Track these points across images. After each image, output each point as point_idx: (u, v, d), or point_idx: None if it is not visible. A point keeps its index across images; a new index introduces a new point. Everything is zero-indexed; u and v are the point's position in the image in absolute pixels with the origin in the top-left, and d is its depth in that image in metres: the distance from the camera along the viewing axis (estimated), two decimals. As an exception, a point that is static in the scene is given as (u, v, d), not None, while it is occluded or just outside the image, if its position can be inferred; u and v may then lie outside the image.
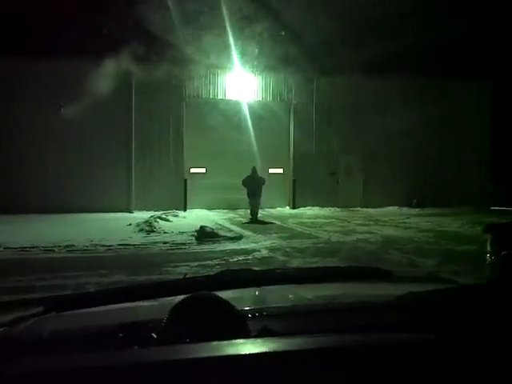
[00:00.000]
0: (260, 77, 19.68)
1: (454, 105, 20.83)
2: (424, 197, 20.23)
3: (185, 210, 18.11)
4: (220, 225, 14.10)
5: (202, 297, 1.21)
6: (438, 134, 20.89)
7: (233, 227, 13.92)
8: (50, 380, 0.86)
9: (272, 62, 18.39)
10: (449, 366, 0.96)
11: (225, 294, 1.27)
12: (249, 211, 16.14)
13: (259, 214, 16.15)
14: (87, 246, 10.46)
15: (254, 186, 15.93)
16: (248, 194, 16.00)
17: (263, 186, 16.33)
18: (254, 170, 16.23)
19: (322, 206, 19.59)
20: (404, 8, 18.15)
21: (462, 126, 21.15)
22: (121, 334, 1.17)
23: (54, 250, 10.12)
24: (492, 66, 20.75)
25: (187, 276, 1.87)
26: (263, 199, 16.83)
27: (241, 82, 19.34)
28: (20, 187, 17.11)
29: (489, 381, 0.97)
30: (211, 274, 1.85)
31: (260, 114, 19.44)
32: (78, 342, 1.25)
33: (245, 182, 16.03)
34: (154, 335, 1.15)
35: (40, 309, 1.51)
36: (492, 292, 1.62)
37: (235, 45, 17.48)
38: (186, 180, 18.72)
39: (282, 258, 9.44)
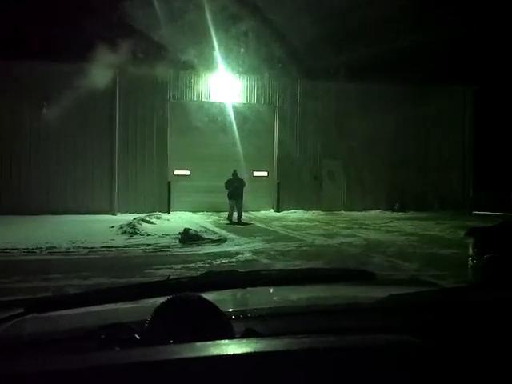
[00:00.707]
0: (245, 79, 19.70)
1: (437, 110, 21.06)
2: (406, 201, 20.40)
3: (168, 212, 18.04)
4: (204, 227, 14.06)
5: (186, 298, 1.20)
6: (420, 138, 21.11)
7: (217, 230, 13.89)
8: (30, 382, 0.84)
9: (257, 64, 18.43)
10: (429, 368, 0.96)
11: (209, 296, 1.26)
12: (235, 214, 16.33)
13: (242, 216, 16.30)
14: (69, 248, 10.36)
15: (234, 188, 16.19)
16: (228, 196, 16.29)
17: (247, 189, 16.61)
18: (234, 173, 16.58)
19: (306, 209, 19.66)
20: (389, 14, 18.33)
21: (444, 131, 21.41)
22: (103, 336, 1.16)
23: (35, 252, 10.00)
24: (474, 72, 21.04)
25: (171, 278, 1.86)
26: (248, 202, 17.04)
27: (225, 84, 19.33)
28: (0, 189, 16.91)
29: (468, 382, 0.98)
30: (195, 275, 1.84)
31: (245, 117, 19.45)
32: (58, 343, 1.23)
33: (226, 185, 16.33)
34: (137, 336, 1.14)
35: (20, 310, 1.48)
36: (473, 295, 1.64)
37: (220, 47, 17.49)
38: (169, 182, 18.66)
39: (265, 261, 9.44)
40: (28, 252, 10.00)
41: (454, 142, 21.72)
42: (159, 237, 11.99)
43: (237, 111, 19.37)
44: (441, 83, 20.68)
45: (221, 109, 19.36)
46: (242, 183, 16.45)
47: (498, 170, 21.79)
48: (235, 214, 16.31)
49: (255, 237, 12.62)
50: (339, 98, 20.32)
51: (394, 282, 3.15)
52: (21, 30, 16.14)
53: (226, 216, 16.55)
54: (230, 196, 16.31)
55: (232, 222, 15.85)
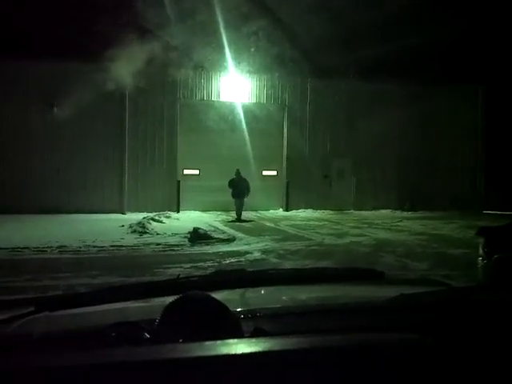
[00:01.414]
0: (254, 78, 19.70)
1: (448, 109, 20.95)
2: (416, 200, 20.29)
3: (178, 211, 18.08)
4: (213, 227, 14.09)
5: (196, 296, 1.21)
6: (431, 137, 20.98)
7: (226, 229, 13.91)
8: (42, 378, 0.85)
9: (266, 63, 18.42)
10: (438, 366, 0.96)
11: (218, 295, 1.27)
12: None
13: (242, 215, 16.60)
14: (79, 247, 10.42)
15: (237, 187, 16.48)
16: (232, 195, 16.60)
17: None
18: (237, 172, 16.80)
19: (315, 208, 19.62)
20: (398, 12, 18.25)
21: (455, 130, 21.27)
22: (113, 334, 1.17)
23: (46, 251, 10.07)
24: (485, 71, 20.89)
25: (180, 277, 1.87)
26: (257, 201, 17.13)
27: (235, 84, 19.35)
28: (11, 187, 17.03)
29: (477, 381, 0.97)
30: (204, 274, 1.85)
31: (254, 116, 19.45)
32: (69, 341, 1.24)
33: (230, 184, 16.63)
34: (147, 335, 1.15)
35: (32, 308, 1.50)
36: (482, 295, 1.63)
37: (230, 46, 17.49)
38: (179, 181, 18.69)
39: (274, 260, 9.44)
40: (39, 251, 10.07)
41: (464, 141, 21.58)
42: (169, 236, 12.02)
43: (246, 110, 19.38)
44: (451, 82, 20.56)
45: (230, 108, 19.37)
46: (245, 182, 16.60)
47: (510, 170, 21.61)
48: (244, 213, 16.52)
49: (264, 236, 12.63)
50: (349, 97, 20.25)
51: (404, 281, 3.14)
52: (30, 30, 16.23)
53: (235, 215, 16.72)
54: (233, 195, 16.53)
55: (237, 220, 16.10)
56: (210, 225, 14.42)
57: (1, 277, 7.58)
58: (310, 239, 12.29)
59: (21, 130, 17.24)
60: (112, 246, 10.69)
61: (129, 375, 0.86)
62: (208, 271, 7.47)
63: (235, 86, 19.37)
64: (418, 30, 18.82)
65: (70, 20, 16.32)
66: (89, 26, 15.18)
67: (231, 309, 1.22)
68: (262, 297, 1.78)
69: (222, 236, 12.30)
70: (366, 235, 13.08)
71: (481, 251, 5.41)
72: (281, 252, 10.34)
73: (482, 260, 5.35)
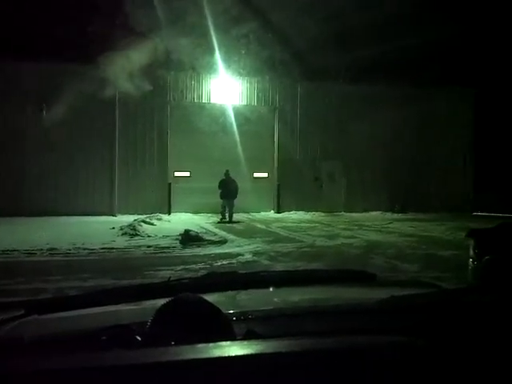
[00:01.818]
0: (245, 80, 19.71)
1: (438, 112, 21.07)
2: (407, 202, 20.39)
3: (169, 213, 18.05)
4: (204, 229, 14.06)
5: (187, 299, 1.20)
6: (421, 140, 21.10)
7: (217, 231, 13.89)
8: (32, 382, 0.85)
9: (257, 65, 18.45)
10: (429, 368, 0.96)
11: (210, 297, 1.26)
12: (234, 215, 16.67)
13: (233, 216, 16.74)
14: (70, 250, 10.34)
15: (226, 188, 16.61)
16: (221, 196, 16.73)
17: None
18: (226, 173, 16.94)
19: (306, 210, 19.66)
20: (390, 15, 18.35)
21: (445, 132, 21.41)
22: (104, 337, 1.16)
23: (35, 254, 9.99)
24: (474, 74, 21.05)
25: (172, 279, 1.86)
26: (248, 203, 17.16)
27: (226, 86, 19.35)
28: (3, 190, 16.90)
29: (469, 383, 0.98)
30: (196, 277, 1.85)
31: (245, 118, 19.46)
32: (60, 344, 1.24)
33: (220, 185, 16.80)
34: (138, 338, 1.14)
35: (21, 312, 1.49)
36: (473, 296, 1.64)
37: (220, 48, 17.50)
38: (170, 184, 18.66)
39: (266, 262, 9.43)
40: (29, 253, 9.99)
41: (454, 144, 21.71)
42: (160, 238, 11.98)
43: (237, 113, 19.39)
44: (442, 85, 20.69)
45: (221, 110, 19.37)
46: (233, 183, 16.66)
47: (499, 172, 21.77)
48: (235, 215, 16.54)
49: (255, 238, 12.62)
50: (340, 99, 20.32)
51: (395, 283, 3.15)
52: (19, 31, 16.16)
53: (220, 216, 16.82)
54: (222, 196, 16.58)
55: (223, 222, 16.11)
56: (201, 227, 14.40)
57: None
58: (302, 241, 12.30)
59: (12, 133, 17.12)
60: (102, 248, 10.63)
61: (120, 379, 0.85)
62: (200, 273, 7.45)
63: (226, 88, 19.37)
64: (408, 34, 18.93)
65: (61, 21, 16.25)
66: (79, 27, 15.14)
67: (223, 311, 1.21)
68: (254, 299, 1.78)
69: (213, 238, 12.27)
70: (356, 237, 13.11)
71: (471, 253, 5.43)
72: (272, 254, 10.33)
73: (473, 262, 5.38)
